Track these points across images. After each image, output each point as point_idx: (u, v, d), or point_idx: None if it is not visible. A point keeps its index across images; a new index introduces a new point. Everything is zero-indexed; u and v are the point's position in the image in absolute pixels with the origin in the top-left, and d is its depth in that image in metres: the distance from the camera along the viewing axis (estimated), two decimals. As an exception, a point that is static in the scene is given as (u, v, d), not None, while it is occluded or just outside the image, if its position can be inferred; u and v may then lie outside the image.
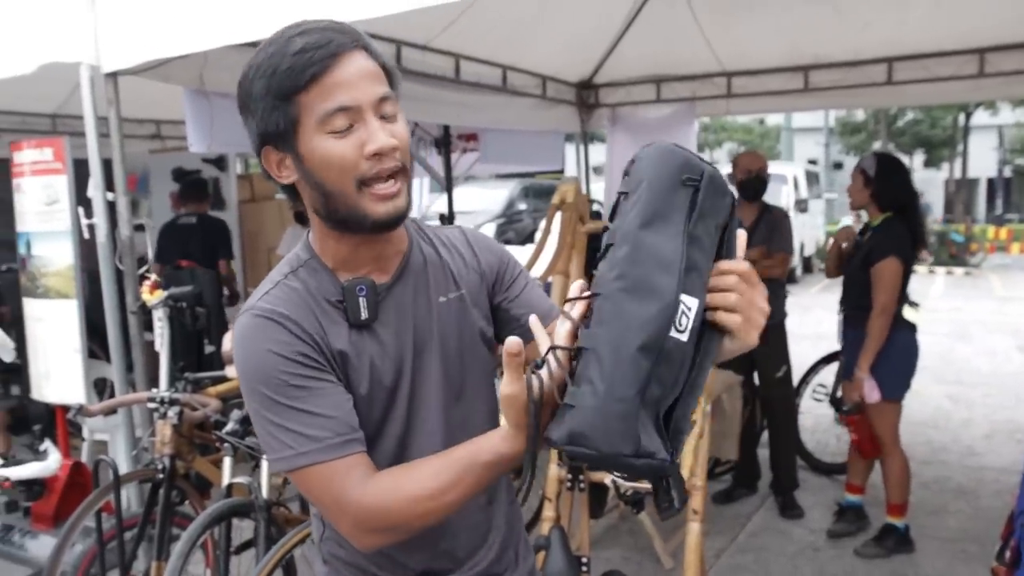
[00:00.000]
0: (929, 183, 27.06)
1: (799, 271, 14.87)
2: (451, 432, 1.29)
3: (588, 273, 1.28)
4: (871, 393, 3.69)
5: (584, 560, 2.65)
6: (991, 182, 32.96)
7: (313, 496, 1.17)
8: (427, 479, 1.10)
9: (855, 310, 3.80)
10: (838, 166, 27.84)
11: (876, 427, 3.78)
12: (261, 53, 1.15)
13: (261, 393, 1.15)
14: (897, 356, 3.74)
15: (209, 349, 4.17)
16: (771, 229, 4.38)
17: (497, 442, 1.06)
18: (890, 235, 3.71)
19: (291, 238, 6.20)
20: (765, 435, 4.66)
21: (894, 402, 3.77)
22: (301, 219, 6.27)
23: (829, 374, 4.96)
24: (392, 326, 1.26)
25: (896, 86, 5.18)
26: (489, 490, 1.34)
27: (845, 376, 3.87)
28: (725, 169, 4.15)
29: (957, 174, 27.16)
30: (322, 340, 1.19)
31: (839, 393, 4.82)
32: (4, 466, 3.53)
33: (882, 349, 3.67)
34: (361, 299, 1.21)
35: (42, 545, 3.81)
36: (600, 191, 7.13)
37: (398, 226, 1.21)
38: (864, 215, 3.87)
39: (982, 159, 29.52)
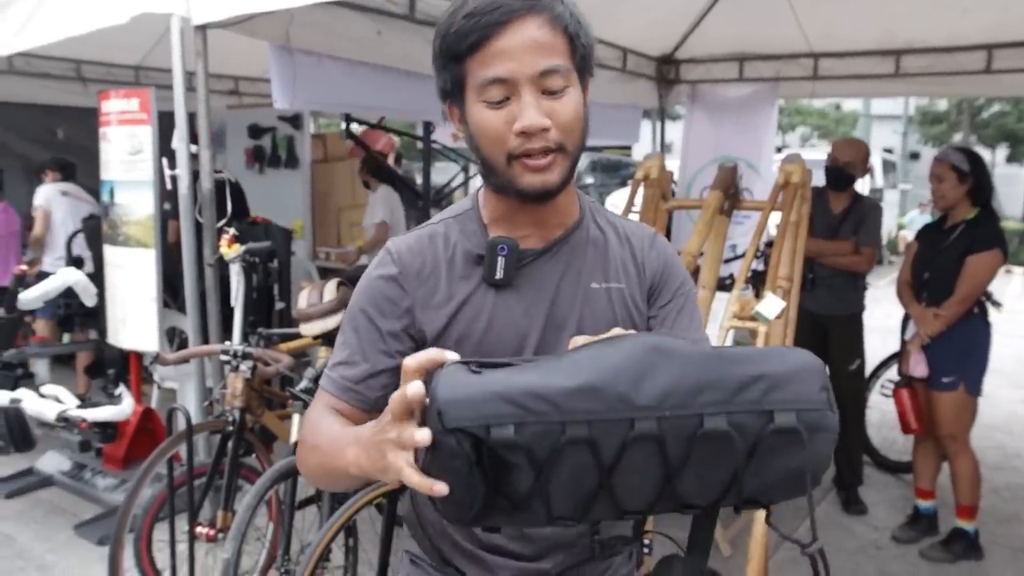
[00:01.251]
0: (1012, 179, 26.01)
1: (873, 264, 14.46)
2: None
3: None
4: (916, 367, 3.66)
5: (647, 543, 2.61)
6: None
7: None
8: (326, 434, 1.12)
9: (942, 303, 3.66)
10: (915, 156, 26.92)
11: (946, 419, 3.67)
12: (448, 8, 1.13)
13: (351, 304, 1.25)
14: (981, 350, 3.67)
15: (279, 305, 4.22)
16: (860, 221, 4.22)
17: (353, 449, 0.98)
18: (991, 227, 3.65)
19: (386, 198, 6.13)
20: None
21: (974, 397, 3.67)
22: (367, 186, 6.30)
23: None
24: (527, 297, 1.21)
25: (994, 75, 4.94)
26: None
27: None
28: (803, 153, 4.00)
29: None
30: (431, 291, 1.20)
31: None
32: (81, 407, 3.64)
33: (970, 341, 3.62)
34: (500, 258, 1.18)
35: (111, 485, 3.95)
36: (674, 169, 7.01)
37: (547, 199, 1.16)
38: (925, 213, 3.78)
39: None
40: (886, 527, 4.05)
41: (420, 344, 1.21)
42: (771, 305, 2.55)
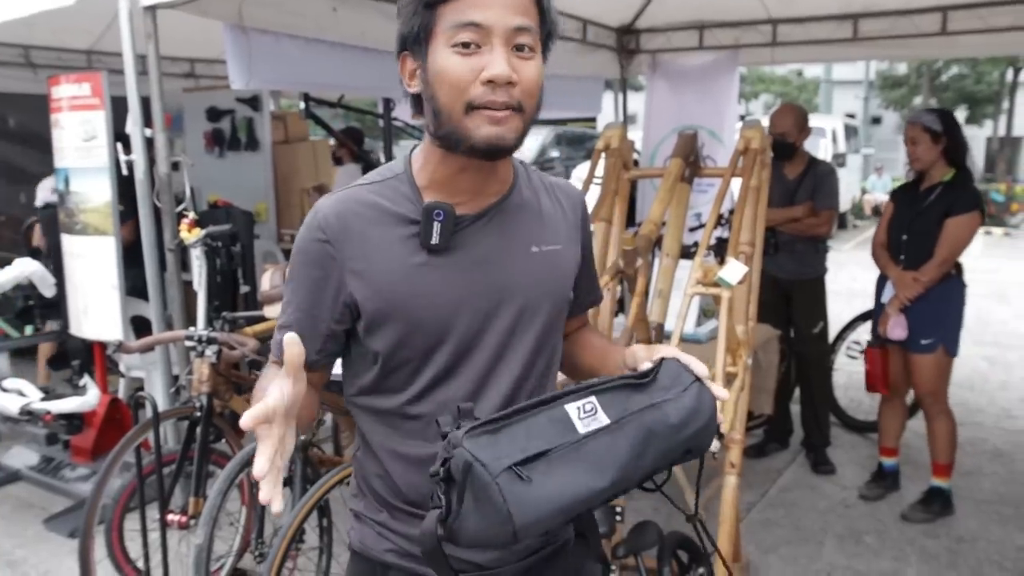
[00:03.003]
0: (971, 141, 26.37)
1: (834, 227, 14.63)
2: (504, 384, 1.25)
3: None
4: (895, 329, 3.69)
5: (618, 510, 2.64)
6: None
7: None
8: (260, 384, 1.21)
9: (921, 265, 3.68)
10: (876, 121, 27.21)
11: (925, 380, 3.73)
12: None
13: (290, 267, 1.28)
14: (957, 310, 3.72)
15: (244, 289, 4.17)
16: (817, 184, 4.27)
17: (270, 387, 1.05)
18: (969, 189, 3.69)
19: (346, 178, 6.16)
20: (797, 391, 4.62)
21: (951, 357, 3.73)
22: (338, 161, 6.25)
23: (864, 332, 4.89)
24: (462, 263, 1.21)
25: (949, 36, 4.97)
26: None
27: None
28: (766, 121, 4.01)
29: (1001, 132, 26.43)
30: (359, 255, 1.20)
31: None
32: (45, 400, 3.58)
33: (947, 303, 3.67)
34: (436, 223, 1.18)
35: (80, 477, 3.90)
36: (636, 140, 7.01)
37: (497, 157, 1.17)
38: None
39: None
40: (854, 486, 4.13)
41: (354, 309, 1.22)
42: (734, 270, 2.56)
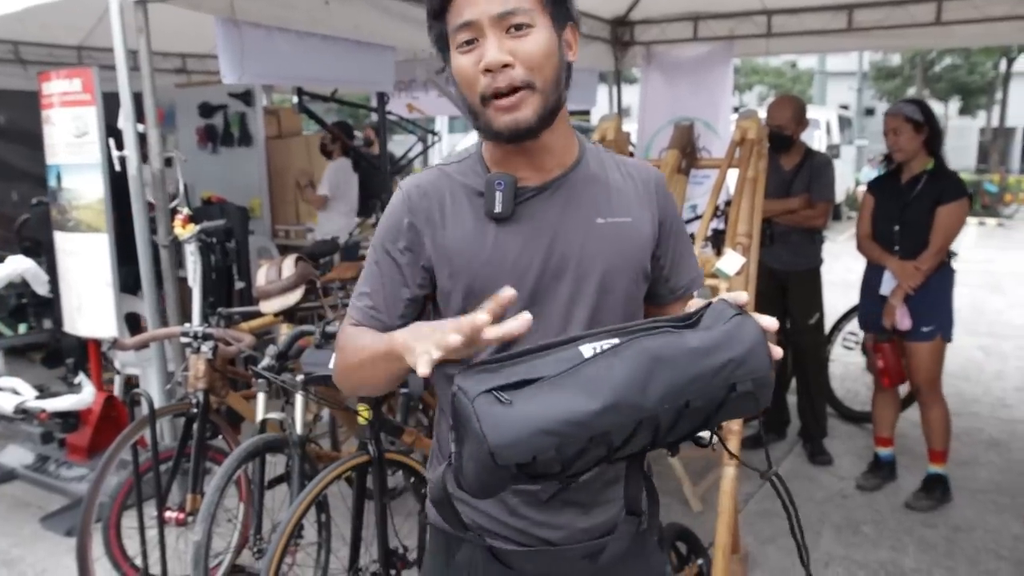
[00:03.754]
0: (964, 132, 26.43)
1: (829, 219, 14.65)
2: None
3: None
4: (903, 320, 3.69)
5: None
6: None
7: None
8: (369, 336, 1.26)
9: (917, 254, 3.68)
10: (870, 112, 27.22)
11: (924, 368, 3.74)
12: None
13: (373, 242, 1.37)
14: (950, 296, 3.76)
15: (239, 285, 4.16)
16: (813, 176, 4.26)
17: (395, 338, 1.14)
18: (954, 177, 3.72)
19: (334, 172, 6.15)
20: (794, 382, 4.62)
21: (946, 343, 3.75)
22: (325, 152, 6.24)
23: (861, 322, 4.91)
24: (525, 232, 1.28)
25: (944, 26, 4.98)
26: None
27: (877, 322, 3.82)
28: (761, 113, 3.99)
29: (994, 123, 26.48)
30: (436, 222, 1.30)
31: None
32: (40, 398, 3.56)
33: (942, 290, 3.70)
34: (498, 193, 1.26)
35: (77, 476, 3.88)
36: (632, 132, 7.00)
37: (525, 139, 1.23)
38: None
39: (1021, 107, 28.71)
40: (851, 476, 4.13)
41: (431, 275, 1.32)
42: (731, 261, 2.56)
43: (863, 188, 4.89)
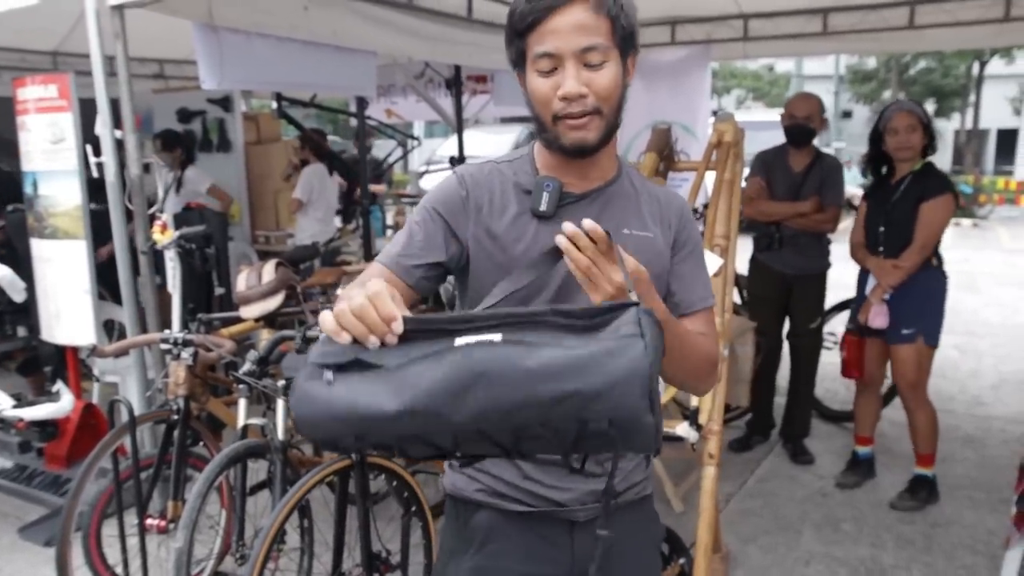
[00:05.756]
0: (939, 133, 26.68)
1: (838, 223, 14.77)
2: None
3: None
4: (876, 318, 3.69)
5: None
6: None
7: None
8: (366, 274, 1.37)
9: (902, 253, 3.68)
10: (847, 114, 27.49)
11: (905, 371, 3.74)
12: None
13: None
14: (938, 301, 3.73)
15: (219, 291, 4.14)
16: (823, 180, 4.23)
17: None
18: (939, 175, 3.72)
19: (308, 177, 6.14)
20: (780, 383, 4.65)
21: (932, 348, 3.74)
22: (303, 162, 6.24)
23: (839, 323, 4.94)
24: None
25: (917, 30, 5.04)
26: None
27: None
28: (738, 116, 4.00)
29: (968, 125, 26.81)
30: (483, 208, 1.41)
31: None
32: (17, 407, 3.53)
33: (927, 293, 3.68)
34: (545, 193, 1.38)
35: (55, 485, 3.85)
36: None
37: (586, 154, 1.37)
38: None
39: (994, 110, 29.11)
40: (831, 475, 4.18)
41: (465, 250, 1.42)
42: (709, 262, 2.58)
43: (855, 189, 4.92)
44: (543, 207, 1.38)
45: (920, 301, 3.69)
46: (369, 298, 1.04)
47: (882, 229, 3.75)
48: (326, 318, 1.05)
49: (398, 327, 1.04)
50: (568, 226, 1.16)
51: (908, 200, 3.65)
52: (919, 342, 3.69)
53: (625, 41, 1.34)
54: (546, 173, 1.42)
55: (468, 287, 1.46)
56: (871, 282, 3.80)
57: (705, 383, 1.46)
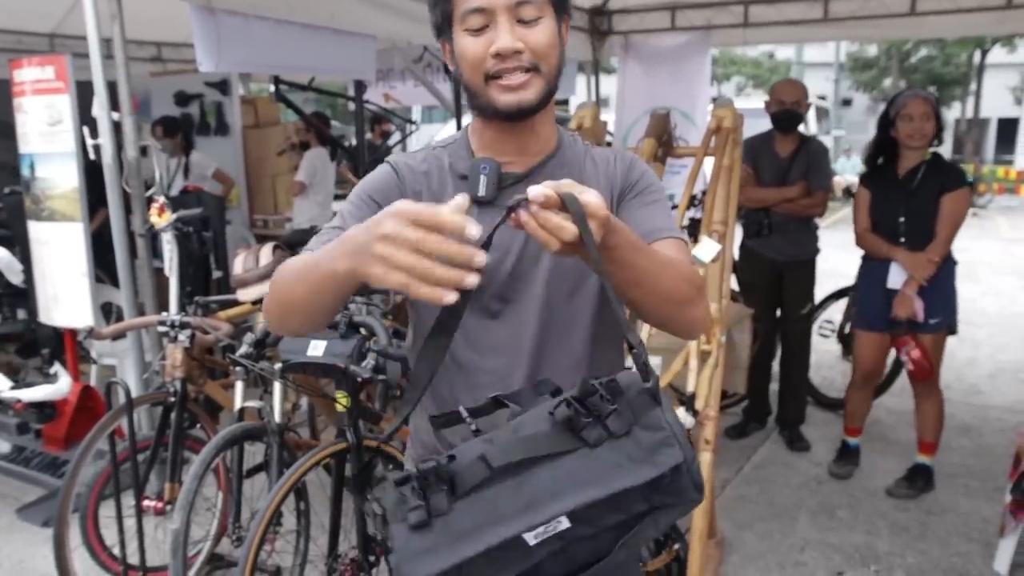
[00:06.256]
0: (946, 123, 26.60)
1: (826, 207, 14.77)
2: (529, 349, 1.30)
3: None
4: (921, 312, 3.62)
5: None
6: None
7: None
8: (303, 261, 1.14)
9: (924, 245, 3.63)
10: (847, 102, 27.42)
11: (933, 360, 3.73)
12: None
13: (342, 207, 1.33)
14: (954, 288, 3.73)
15: (216, 274, 4.14)
16: (810, 164, 4.24)
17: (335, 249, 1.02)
18: (954, 166, 3.71)
19: (311, 161, 6.14)
20: (776, 370, 4.66)
21: (949, 334, 3.75)
22: (305, 146, 6.22)
23: (836, 311, 4.96)
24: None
25: (918, 17, 5.03)
26: None
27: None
28: (737, 103, 3.98)
29: (968, 113, 26.76)
30: (423, 198, 1.28)
31: (847, 329, 4.83)
32: (15, 388, 3.54)
33: (948, 281, 3.68)
34: (482, 176, 1.28)
35: (53, 466, 3.86)
36: (609, 121, 7.02)
37: (524, 117, 1.27)
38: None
39: (995, 99, 29.06)
40: (826, 463, 4.19)
41: None
42: (707, 249, 2.58)
43: (839, 178, 4.90)
44: (481, 192, 1.27)
45: (943, 290, 3.68)
46: (423, 221, 0.89)
47: (902, 220, 3.68)
48: (372, 268, 0.91)
49: (481, 260, 0.90)
50: (522, 215, 0.98)
51: (928, 191, 3.60)
52: (944, 330, 3.70)
53: (560, 1, 1.28)
54: (483, 154, 1.33)
55: None
56: (895, 275, 3.71)
57: (690, 309, 1.23)
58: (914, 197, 3.64)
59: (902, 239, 3.70)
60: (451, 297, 0.88)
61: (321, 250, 1.09)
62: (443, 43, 1.32)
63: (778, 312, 4.50)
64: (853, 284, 4.91)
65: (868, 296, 3.87)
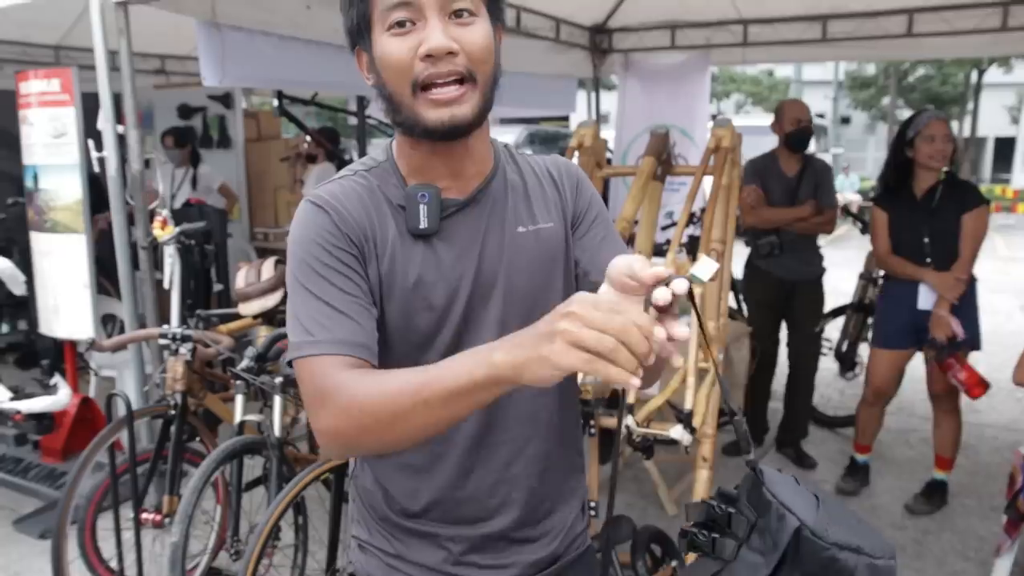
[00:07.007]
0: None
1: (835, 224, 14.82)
2: None
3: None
4: (959, 329, 3.59)
5: (592, 504, 2.67)
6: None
7: (303, 387, 1.07)
8: (412, 375, 0.96)
9: (950, 264, 3.63)
10: (845, 120, 27.55)
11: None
12: None
13: (295, 278, 1.11)
14: (976, 306, 3.74)
15: (217, 287, 4.15)
16: (817, 182, 4.28)
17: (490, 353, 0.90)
18: (971, 186, 3.75)
19: (318, 177, 6.16)
20: (775, 389, 4.67)
21: (973, 351, 3.74)
22: (312, 159, 6.24)
23: (834, 329, 4.98)
24: (455, 248, 1.16)
25: (914, 38, 5.08)
26: (510, 450, 1.23)
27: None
28: (737, 120, 4.02)
29: (966, 132, 26.90)
30: (369, 239, 1.13)
31: (844, 348, 4.85)
32: (15, 399, 3.54)
33: (972, 298, 3.69)
34: (422, 207, 1.13)
35: (51, 478, 3.86)
36: (609, 139, 7.07)
37: (456, 136, 1.11)
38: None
39: (992, 118, 29.21)
40: (824, 480, 4.19)
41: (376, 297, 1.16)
42: (705, 267, 2.58)
43: (839, 196, 4.91)
44: (423, 224, 1.13)
45: (968, 309, 3.69)
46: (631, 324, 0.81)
47: (927, 240, 3.67)
48: (565, 356, 0.82)
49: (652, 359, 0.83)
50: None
51: (949, 210, 3.61)
52: (968, 348, 3.69)
53: (493, 2, 1.12)
54: (413, 179, 1.17)
55: (381, 332, 1.15)
56: (925, 295, 3.69)
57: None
58: (935, 217, 3.64)
59: (928, 259, 3.68)
60: (637, 381, 0.81)
61: (441, 365, 0.94)
62: (358, 53, 1.15)
63: (782, 330, 4.52)
64: (850, 303, 4.95)
65: (891, 315, 3.85)
